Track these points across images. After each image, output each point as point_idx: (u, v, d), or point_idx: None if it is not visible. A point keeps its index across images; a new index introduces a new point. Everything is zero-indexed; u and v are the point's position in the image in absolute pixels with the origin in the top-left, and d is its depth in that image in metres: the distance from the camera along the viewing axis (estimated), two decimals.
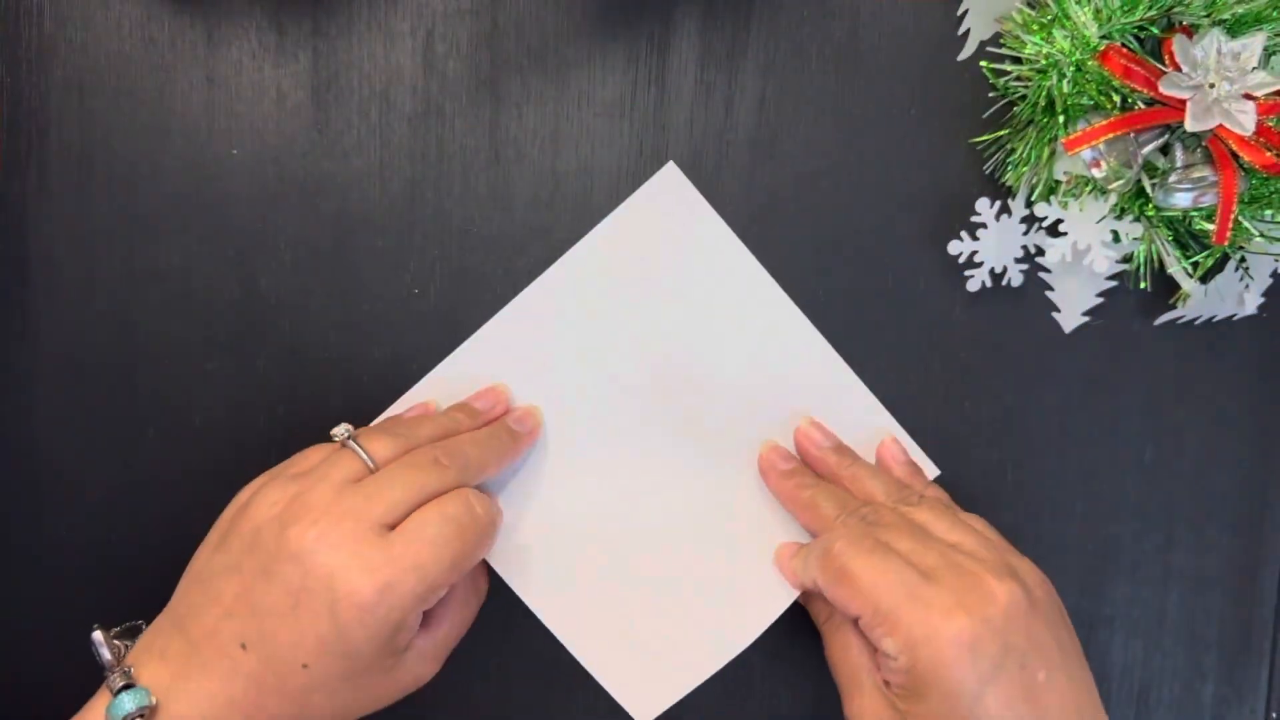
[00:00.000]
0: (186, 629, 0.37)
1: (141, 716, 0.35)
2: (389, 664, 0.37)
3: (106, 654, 0.37)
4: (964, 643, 0.36)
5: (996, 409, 0.46)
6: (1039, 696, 0.37)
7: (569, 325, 0.44)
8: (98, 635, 0.37)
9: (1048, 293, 0.45)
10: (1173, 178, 0.41)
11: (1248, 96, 0.39)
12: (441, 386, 0.44)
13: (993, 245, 0.44)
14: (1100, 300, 0.45)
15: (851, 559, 0.39)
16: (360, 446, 0.39)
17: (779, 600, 0.44)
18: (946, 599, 0.37)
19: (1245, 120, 0.39)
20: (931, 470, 0.45)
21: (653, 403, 0.45)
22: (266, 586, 0.36)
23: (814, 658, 0.46)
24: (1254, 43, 0.39)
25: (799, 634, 0.46)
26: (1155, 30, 0.41)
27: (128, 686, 0.36)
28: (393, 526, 0.37)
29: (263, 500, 0.38)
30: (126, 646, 0.38)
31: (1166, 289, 0.45)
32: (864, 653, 0.40)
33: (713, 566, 0.45)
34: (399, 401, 0.44)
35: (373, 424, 0.42)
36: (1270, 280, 0.44)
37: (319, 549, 0.36)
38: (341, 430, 0.40)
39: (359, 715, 0.38)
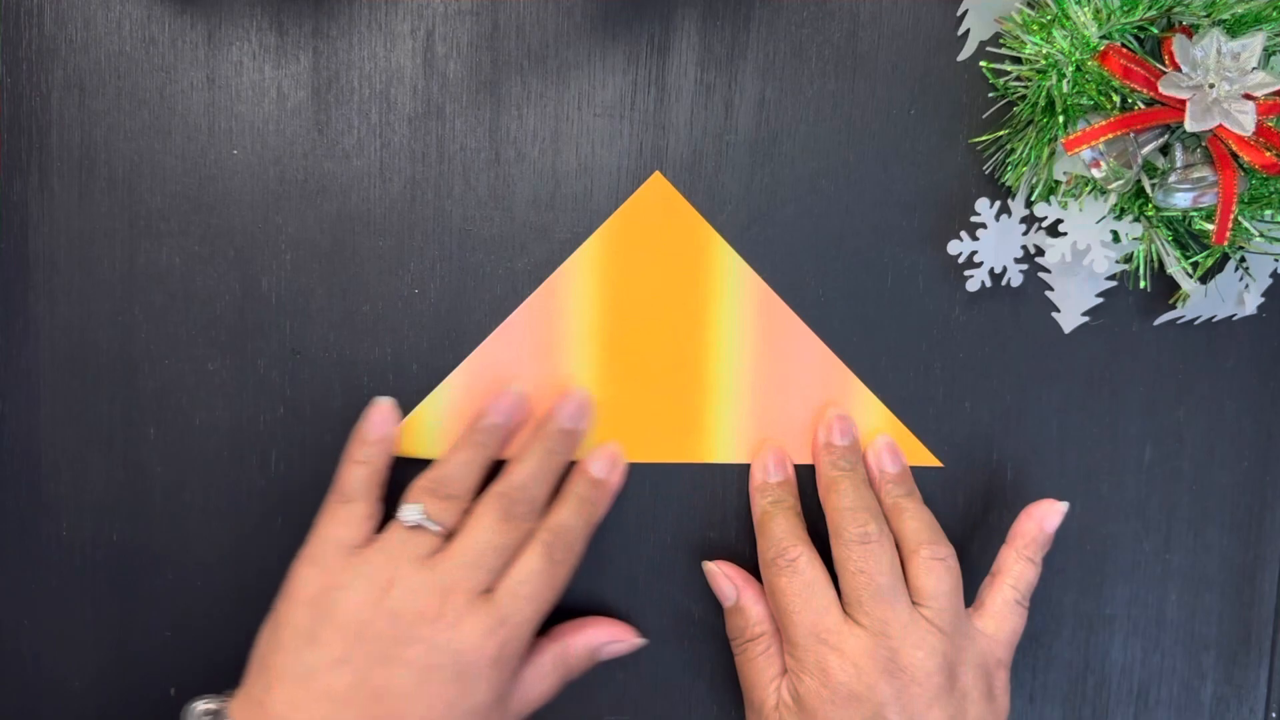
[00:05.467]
0: None
1: None
2: (498, 713, 0.40)
3: None
4: (845, 692, 0.39)
5: (996, 409, 0.46)
6: None
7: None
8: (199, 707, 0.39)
9: (1047, 293, 0.45)
10: (1172, 178, 0.41)
11: (1248, 96, 0.39)
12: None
13: (992, 245, 0.44)
14: (1100, 300, 0.45)
15: (788, 579, 0.42)
16: (434, 524, 0.40)
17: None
18: (852, 645, 0.40)
19: (1245, 120, 0.39)
20: (933, 464, 0.46)
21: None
22: (387, 671, 0.38)
23: None
24: (1254, 43, 0.39)
25: None
26: (1155, 30, 0.41)
27: None
28: (490, 587, 0.40)
29: (353, 589, 0.39)
30: None
31: (1166, 289, 0.45)
32: (767, 670, 0.43)
33: None
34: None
35: (420, 482, 0.42)
36: (1270, 280, 0.44)
37: (440, 628, 0.38)
38: (413, 517, 0.40)
39: None
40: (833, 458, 0.44)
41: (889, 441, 0.45)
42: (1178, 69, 0.40)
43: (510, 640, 0.39)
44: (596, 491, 0.43)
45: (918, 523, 0.42)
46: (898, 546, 0.42)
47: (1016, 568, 0.43)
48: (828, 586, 0.42)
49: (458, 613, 0.39)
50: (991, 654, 0.42)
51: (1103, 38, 0.40)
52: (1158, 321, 0.46)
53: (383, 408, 0.43)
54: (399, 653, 0.38)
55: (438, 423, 0.45)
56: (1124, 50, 0.40)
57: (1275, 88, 0.39)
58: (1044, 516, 0.43)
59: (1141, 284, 0.43)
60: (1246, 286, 0.44)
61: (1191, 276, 0.43)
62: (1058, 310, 0.45)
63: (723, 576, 0.44)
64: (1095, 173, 0.41)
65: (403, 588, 0.39)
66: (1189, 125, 0.39)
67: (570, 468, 0.44)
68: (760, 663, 0.43)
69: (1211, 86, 0.39)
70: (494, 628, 0.39)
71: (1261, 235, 0.42)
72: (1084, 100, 0.40)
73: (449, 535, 0.40)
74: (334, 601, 0.39)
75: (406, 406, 0.45)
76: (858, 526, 0.41)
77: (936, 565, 0.41)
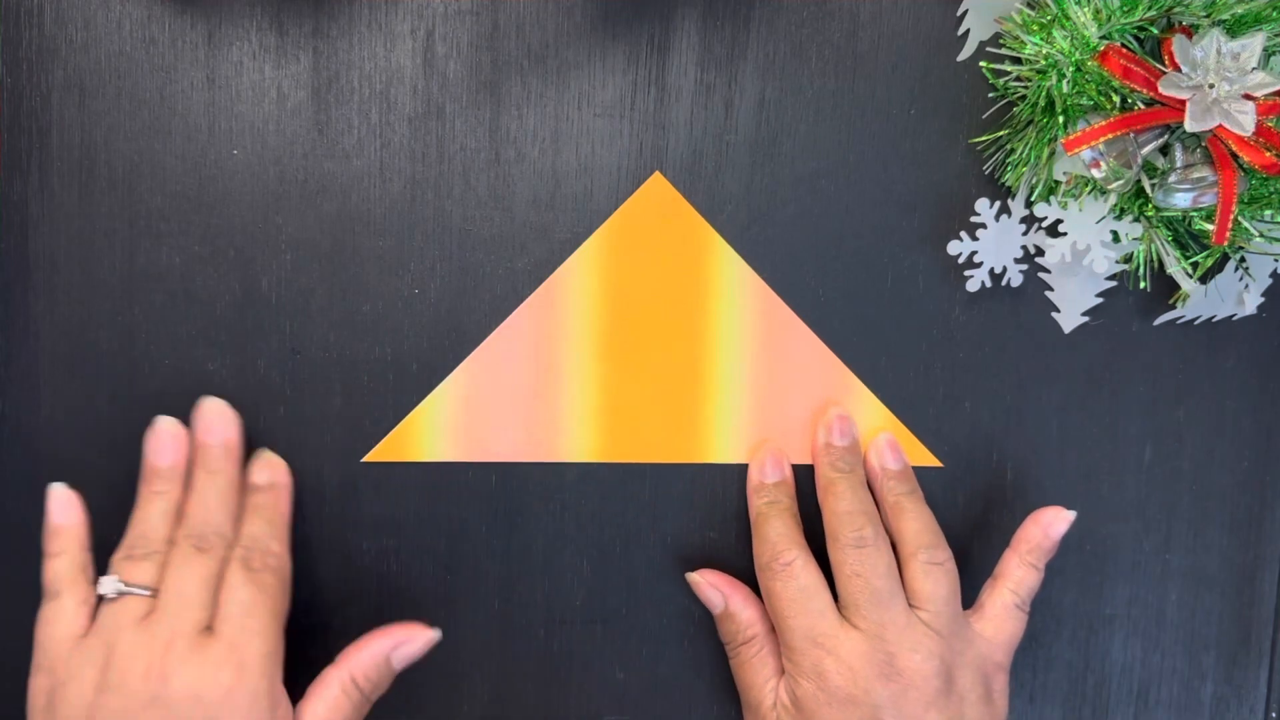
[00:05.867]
0: None
1: None
2: None
3: None
4: (842, 695, 0.39)
5: (996, 409, 0.46)
6: None
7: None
8: None
9: (1047, 293, 0.45)
10: (1172, 178, 0.41)
11: (1247, 97, 0.39)
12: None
13: (992, 245, 0.44)
14: (1100, 300, 0.45)
15: (782, 583, 0.42)
16: (137, 588, 0.39)
17: None
18: (848, 649, 0.40)
19: (1245, 120, 0.39)
20: (933, 464, 0.46)
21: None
22: None
23: None
24: (1254, 43, 0.39)
25: None
26: (1155, 30, 0.41)
27: None
28: (207, 626, 0.39)
29: (75, 679, 0.38)
30: None
31: (1166, 289, 0.45)
32: (762, 671, 0.43)
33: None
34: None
35: (117, 554, 0.41)
36: (1270, 280, 0.44)
37: (168, 680, 0.37)
38: (112, 587, 0.39)
39: None
40: (831, 458, 0.44)
41: (890, 439, 0.45)
42: (1178, 69, 0.40)
43: (247, 665, 0.38)
44: (268, 496, 0.43)
45: (918, 524, 0.42)
46: (895, 548, 0.42)
47: (1018, 573, 0.43)
48: (823, 589, 0.41)
49: (181, 659, 0.38)
50: (990, 657, 0.41)
51: (1103, 38, 0.40)
52: (1158, 321, 0.46)
53: (58, 495, 0.42)
54: (140, 717, 0.37)
55: (438, 423, 0.45)
56: (1124, 50, 0.40)
57: (1275, 88, 0.39)
58: (1050, 523, 0.43)
59: (1141, 284, 0.43)
60: (1246, 286, 0.44)
61: (1191, 276, 0.43)
62: (1058, 310, 0.45)
63: (707, 586, 0.44)
64: (1095, 173, 0.41)
65: (121, 657, 0.38)
66: (1189, 125, 0.39)
67: None
68: (755, 664, 0.43)
69: (1211, 86, 0.39)
70: (223, 658, 0.38)
71: (1261, 235, 0.42)
72: (1084, 100, 0.40)
73: (157, 591, 0.40)
74: (61, 699, 0.38)
75: (406, 406, 0.45)
76: (854, 530, 0.41)
77: (934, 570, 0.41)
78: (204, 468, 0.42)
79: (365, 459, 0.45)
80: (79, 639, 0.39)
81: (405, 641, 0.42)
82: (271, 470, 0.44)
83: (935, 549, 0.42)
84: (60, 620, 0.40)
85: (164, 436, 0.43)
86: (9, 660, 0.46)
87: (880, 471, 0.44)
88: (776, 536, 0.43)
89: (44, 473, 0.45)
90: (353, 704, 0.41)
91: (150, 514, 0.42)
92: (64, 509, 0.42)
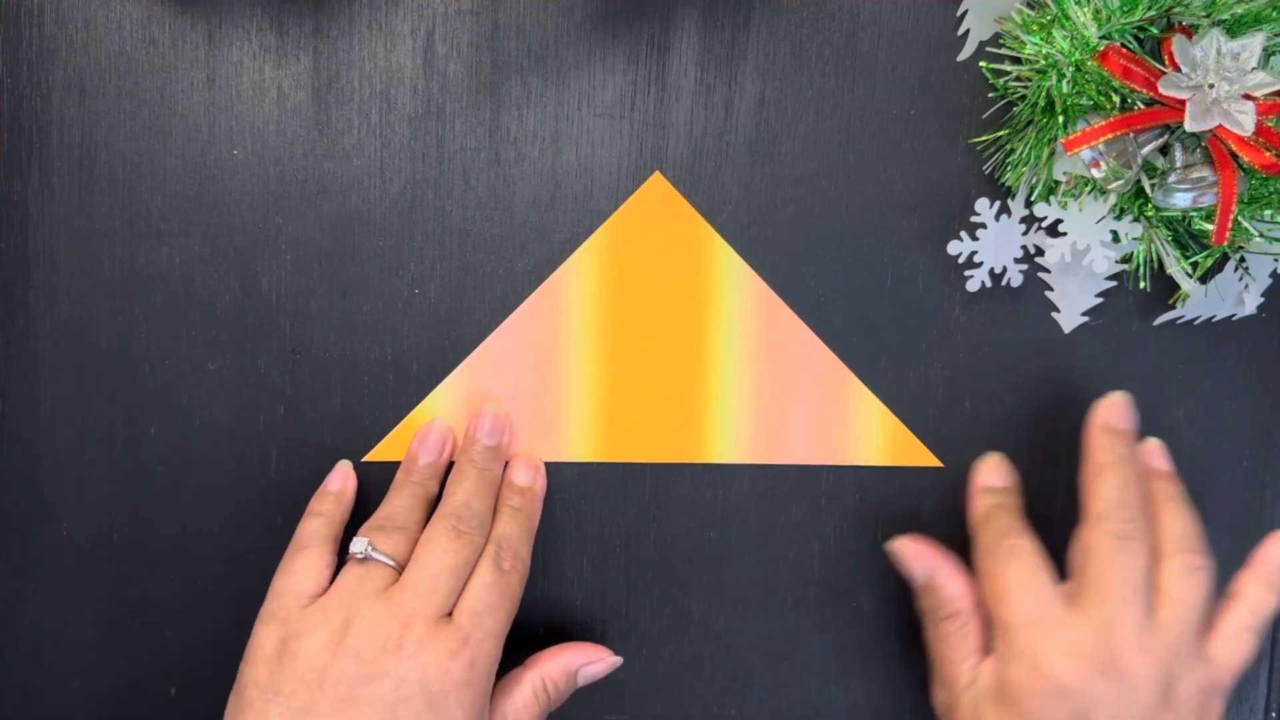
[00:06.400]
0: None
1: None
2: None
3: None
4: (1055, 685, 0.38)
5: (996, 409, 0.46)
6: None
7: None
8: None
9: (1047, 293, 0.45)
10: (1172, 178, 0.41)
11: (1247, 97, 0.39)
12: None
13: (992, 245, 0.44)
14: (1100, 300, 0.45)
15: (1007, 564, 0.40)
16: (385, 556, 0.40)
17: None
18: (1073, 636, 0.38)
19: (1245, 120, 0.39)
20: (933, 464, 0.46)
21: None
22: (355, 714, 0.37)
23: (815, 658, 0.46)
24: (1254, 43, 0.39)
25: (800, 634, 0.46)
26: (1155, 30, 0.41)
27: None
28: (448, 611, 0.39)
29: (311, 635, 0.38)
30: None
31: (1166, 289, 0.45)
32: (962, 648, 0.41)
33: None
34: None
35: (366, 525, 0.41)
36: (1270, 280, 0.44)
37: (402, 658, 0.37)
38: (362, 547, 0.40)
39: None
40: (1108, 441, 0.42)
41: (1161, 443, 0.44)
42: (1177, 69, 0.40)
43: (477, 659, 0.38)
44: (525, 498, 0.43)
45: (1186, 525, 0.41)
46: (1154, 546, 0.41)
47: (1256, 593, 0.41)
48: (1050, 575, 0.40)
49: (419, 640, 0.38)
50: (1216, 680, 0.39)
51: (1102, 38, 0.40)
52: (1158, 321, 0.46)
53: (342, 467, 0.44)
54: (364, 692, 0.37)
55: None
56: (1124, 50, 0.40)
57: (1275, 88, 0.39)
58: None
59: (1141, 284, 0.43)
60: (1246, 286, 0.44)
61: (1191, 276, 0.43)
62: (1058, 310, 0.45)
63: (912, 558, 0.43)
64: (1095, 173, 0.41)
65: (361, 625, 0.38)
66: (1189, 125, 0.39)
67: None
68: (955, 640, 0.41)
69: (1211, 86, 0.39)
70: (457, 649, 0.38)
71: (1261, 235, 0.42)
72: (1084, 100, 0.40)
73: (402, 568, 0.40)
74: (294, 652, 0.38)
75: (406, 406, 0.45)
76: (1122, 522, 0.40)
77: (1193, 575, 0.39)
78: (475, 464, 0.43)
79: (365, 459, 0.45)
80: (314, 597, 0.39)
81: (593, 660, 0.43)
82: (533, 474, 0.44)
83: (1200, 554, 0.40)
84: (303, 573, 0.40)
85: (433, 434, 0.44)
86: (9, 659, 0.46)
87: (1151, 471, 0.43)
88: (1005, 526, 0.41)
89: (44, 473, 0.45)
90: (540, 707, 0.42)
91: (403, 496, 0.42)
92: (342, 479, 0.44)
